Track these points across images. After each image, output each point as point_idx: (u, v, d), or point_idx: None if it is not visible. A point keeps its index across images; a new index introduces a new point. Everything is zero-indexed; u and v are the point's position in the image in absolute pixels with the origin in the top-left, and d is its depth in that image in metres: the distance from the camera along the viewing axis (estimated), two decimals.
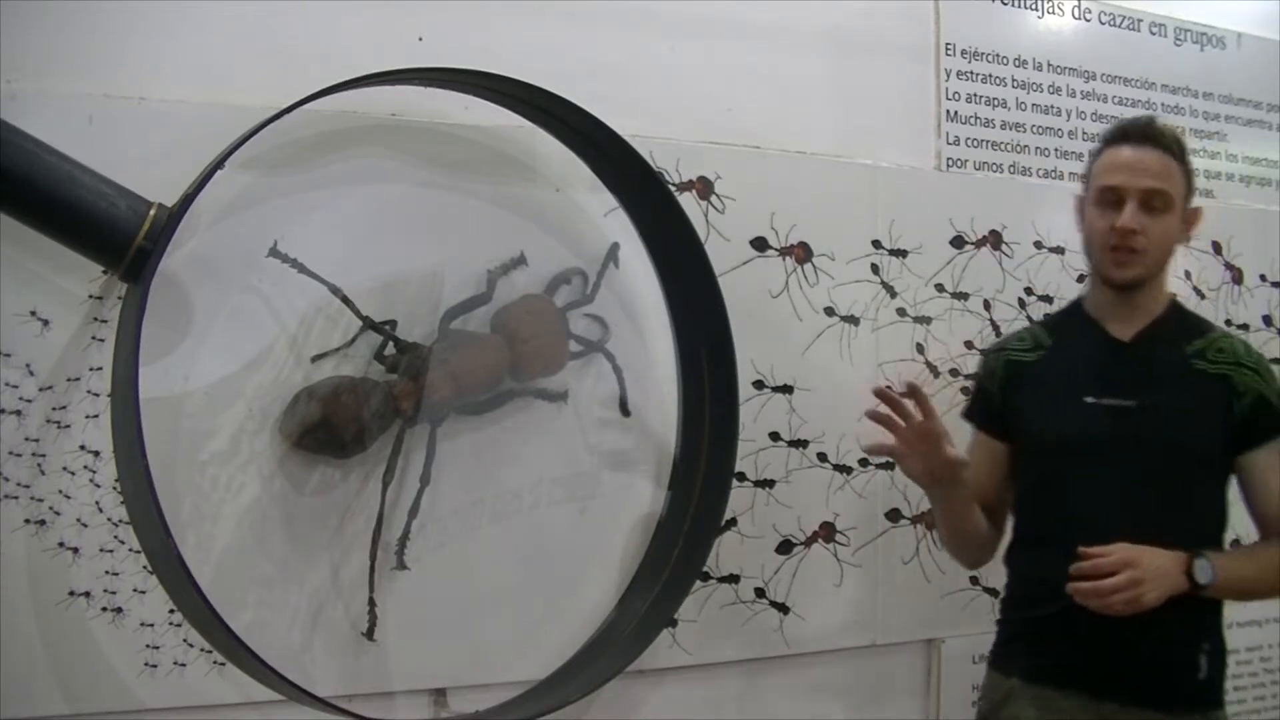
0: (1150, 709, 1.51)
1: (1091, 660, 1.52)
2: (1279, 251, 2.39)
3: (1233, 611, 2.28)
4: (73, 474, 1.43)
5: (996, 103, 2.14)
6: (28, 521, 1.41)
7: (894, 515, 1.98)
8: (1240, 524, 1.64)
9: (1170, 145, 1.58)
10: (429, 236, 1.63)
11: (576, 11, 1.76)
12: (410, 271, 1.61)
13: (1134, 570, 1.44)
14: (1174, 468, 1.54)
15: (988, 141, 2.13)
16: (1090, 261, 1.63)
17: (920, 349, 2.01)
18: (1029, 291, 2.12)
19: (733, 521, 1.83)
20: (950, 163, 2.09)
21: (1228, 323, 2.31)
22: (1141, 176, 1.54)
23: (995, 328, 2.08)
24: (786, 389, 1.89)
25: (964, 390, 2.03)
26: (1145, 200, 1.54)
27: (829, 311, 1.93)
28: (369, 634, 1.56)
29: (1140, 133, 1.58)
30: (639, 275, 1.76)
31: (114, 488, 1.43)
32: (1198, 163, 2.34)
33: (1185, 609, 1.47)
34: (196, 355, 1.48)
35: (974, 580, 2.04)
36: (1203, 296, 2.29)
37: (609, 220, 1.75)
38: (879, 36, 2.03)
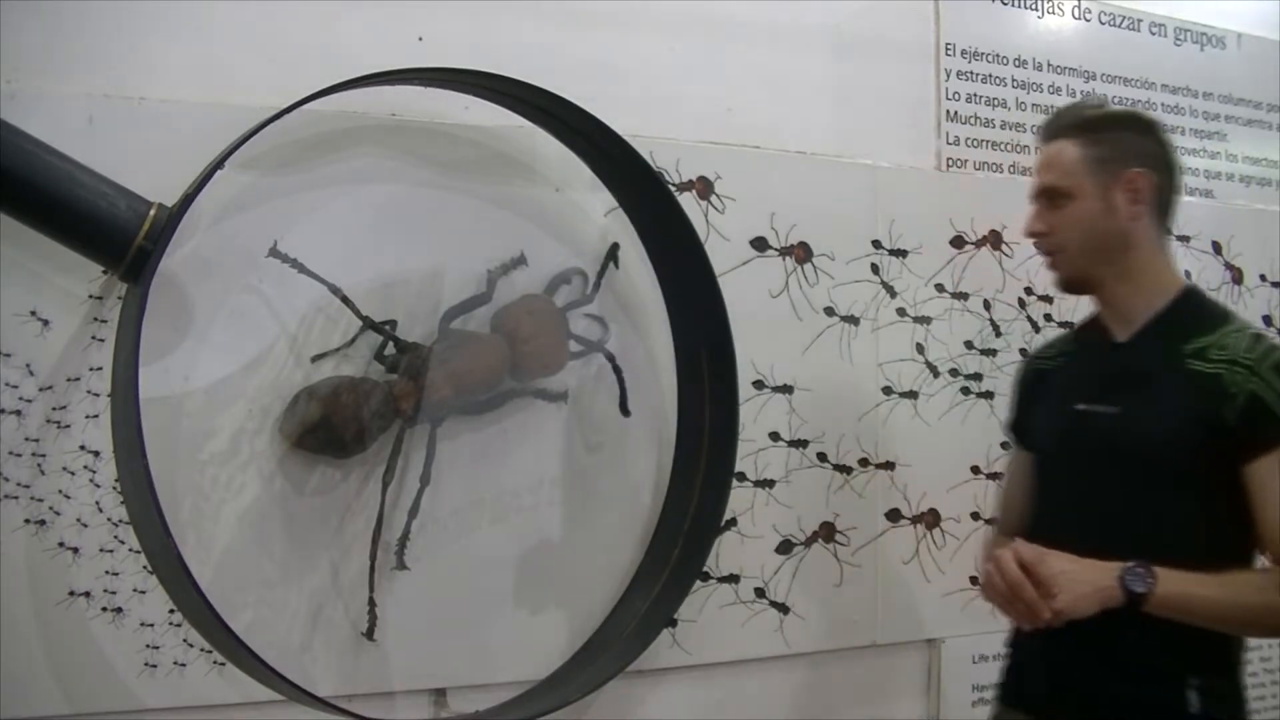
0: None
1: (1063, 687, 1.43)
2: (1279, 251, 2.39)
3: None
4: (73, 474, 1.43)
5: (996, 103, 2.14)
6: (28, 521, 1.41)
7: (894, 515, 1.98)
8: None
9: (1066, 129, 1.46)
10: (429, 236, 1.63)
11: (576, 11, 1.76)
12: (410, 271, 1.61)
13: (1041, 568, 1.29)
14: (1145, 479, 1.38)
15: (988, 141, 2.13)
16: None
17: (920, 349, 2.01)
18: (1029, 291, 2.12)
19: (733, 521, 1.83)
20: (950, 163, 2.09)
21: None
22: (1037, 175, 1.48)
23: (995, 328, 2.08)
24: (786, 389, 1.89)
25: (964, 390, 2.04)
26: (1045, 198, 1.46)
27: (829, 311, 1.93)
28: (369, 634, 1.56)
29: (1041, 130, 1.52)
30: (639, 275, 1.76)
31: (114, 488, 1.43)
32: (1197, 163, 2.36)
33: (1170, 637, 1.32)
34: (196, 355, 1.48)
35: (974, 580, 2.04)
36: None
37: (609, 220, 1.75)
38: (879, 36, 2.03)
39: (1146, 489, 1.39)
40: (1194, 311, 1.46)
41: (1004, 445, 2.06)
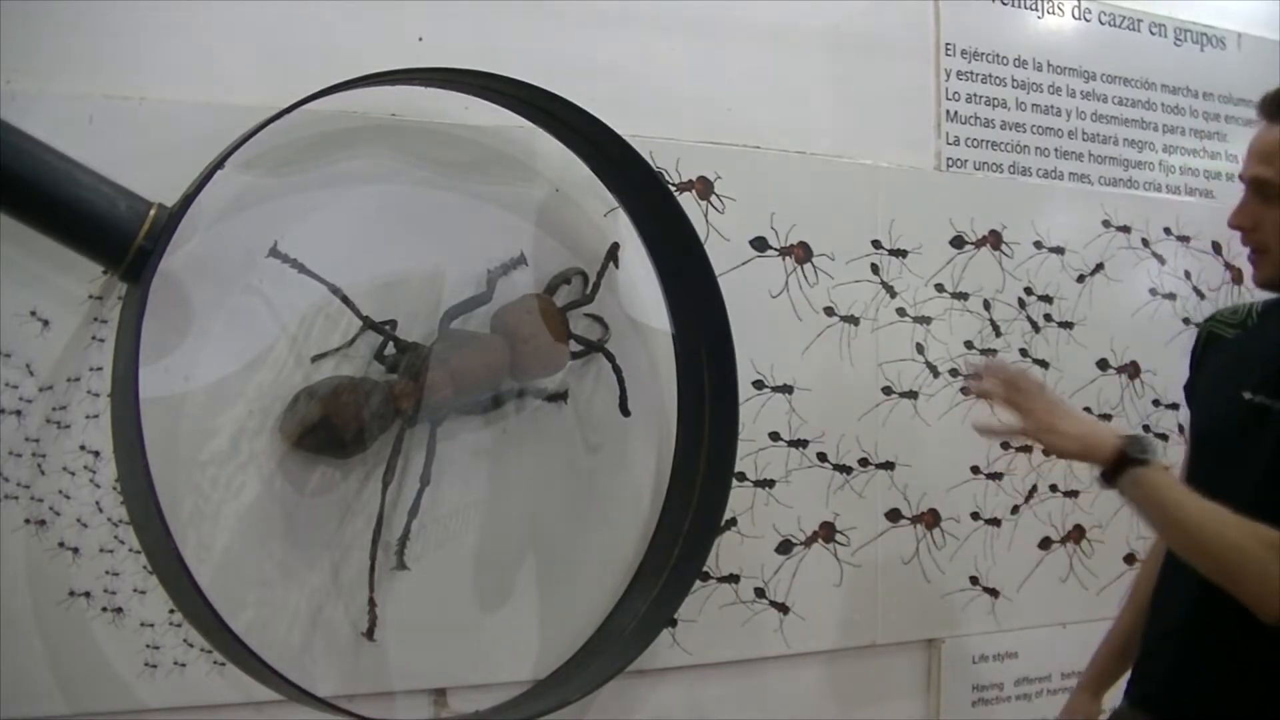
0: None
1: (1180, 691, 1.38)
2: None
3: None
4: (73, 474, 1.43)
5: (996, 103, 2.14)
6: (28, 521, 1.41)
7: (894, 515, 1.98)
8: None
9: None
10: (429, 236, 1.63)
11: (576, 11, 1.76)
12: (410, 271, 1.61)
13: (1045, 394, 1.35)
14: None
15: (988, 141, 2.13)
16: None
17: (920, 349, 2.01)
18: (1029, 291, 2.12)
19: (733, 521, 1.83)
20: (950, 163, 2.09)
21: None
22: (1249, 162, 1.32)
23: (995, 328, 2.08)
24: (786, 389, 1.89)
25: (964, 390, 2.04)
26: (1257, 189, 1.32)
27: (829, 311, 1.93)
28: (369, 634, 1.56)
29: (1267, 104, 1.33)
30: (639, 275, 1.76)
31: (114, 488, 1.43)
32: (1197, 163, 2.36)
33: None
34: (196, 355, 1.48)
35: (974, 580, 2.05)
36: (1202, 297, 2.29)
37: (609, 220, 1.75)
38: (879, 36, 2.03)
39: None
40: None
41: (1004, 446, 2.07)
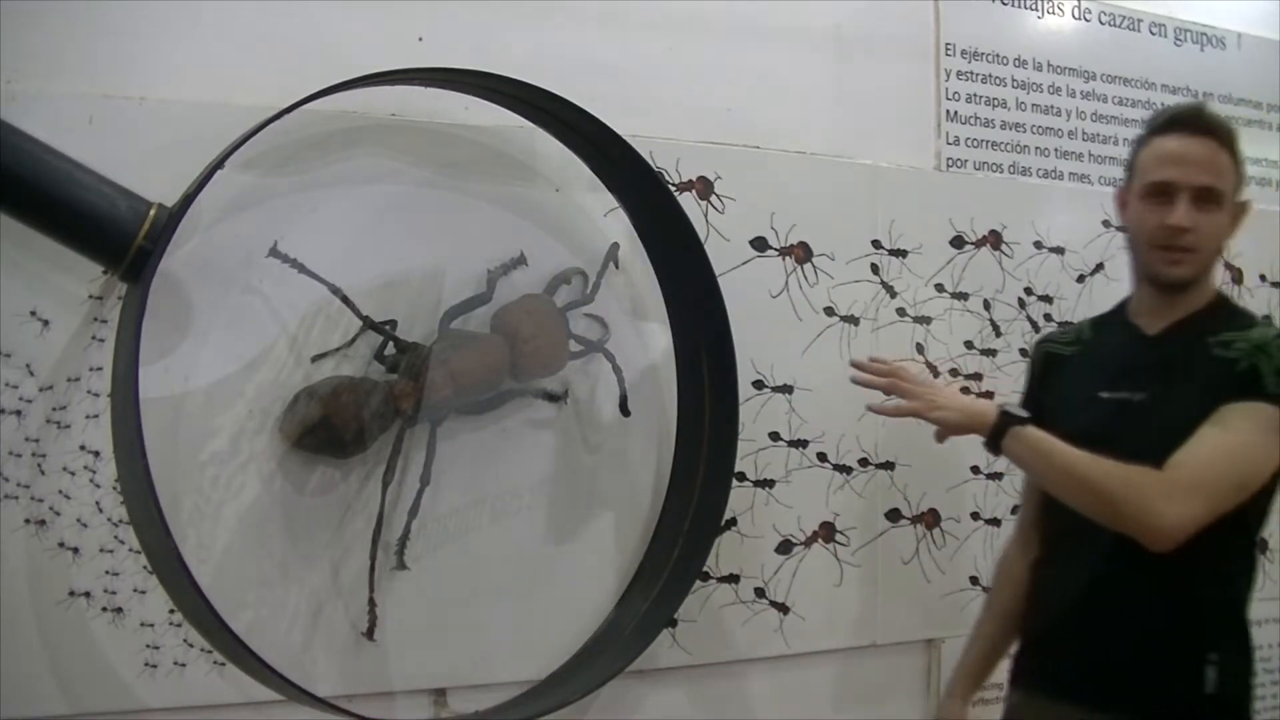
0: None
1: (1086, 669, 1.47)
2: (1279, 251, 2.38)
3: None
4: (73, 474, 1.43)
5: (996, 103, 2.14)
6: (28, 521, 1.41)
7: (894, 515, 1.98)
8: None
9: (1222, 135, 1.48)
10: (429, 236, 1.63)
11: (576, 11, 1.76)
12: (410, 271, 1.61)
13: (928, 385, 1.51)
14: None
15: (988, 141, 2.13)
16: (1135, 259, 1.54)
17: (920, 349, 2.01)
18: (1029, 291, 2.12)
19: (733, 521, 1.83)
20: (950, 163, 2.09)
21: None
22: (1194, 171, 1.45)
23: (995, 328, 2.08)
24: (786, 389, 1.89)
25: (964, 391, 2.04)
26: (1197, 196, 1.44)
27: (829, 311, 1.93)
28: (369, 634, 1.56)
29: (1191, 122, 1.49)
30: (639, 275, 1.76)
31: (114, 488, 1.43)
32: None
33: (1189, 616, 1.41)
34: (196, 355, 1.48)
35: (974, 580, 2.04)
36: None
37: (609, 220, 1.75)
38: (879, 36, 2.03)
39: None
40: (1226, 314, 1.52)
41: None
